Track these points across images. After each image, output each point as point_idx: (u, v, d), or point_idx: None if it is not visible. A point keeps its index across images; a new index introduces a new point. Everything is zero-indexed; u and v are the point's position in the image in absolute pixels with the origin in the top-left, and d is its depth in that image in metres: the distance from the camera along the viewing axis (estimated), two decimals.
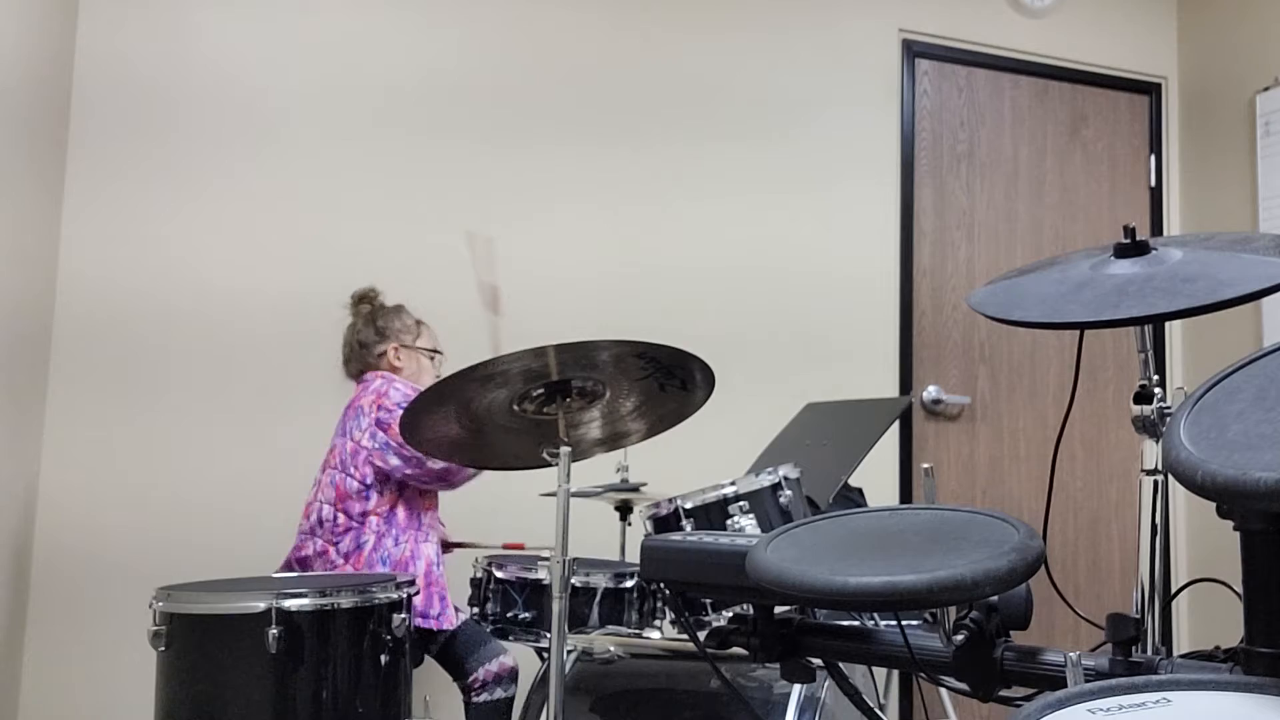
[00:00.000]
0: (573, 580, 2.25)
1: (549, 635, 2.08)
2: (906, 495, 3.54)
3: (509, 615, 2.34)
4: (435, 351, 2.63)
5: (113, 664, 2.73)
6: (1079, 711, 0.76)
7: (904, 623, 1.64)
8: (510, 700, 2.41)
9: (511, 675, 2.41)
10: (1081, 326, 1.13)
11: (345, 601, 1.88)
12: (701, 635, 1.47)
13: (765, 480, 1.92)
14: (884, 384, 3.54)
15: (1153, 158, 3.98)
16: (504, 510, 3.05)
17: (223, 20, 2.94)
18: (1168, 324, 3.97)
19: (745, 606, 1.57)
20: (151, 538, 2.78)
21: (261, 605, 1.81)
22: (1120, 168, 3.96)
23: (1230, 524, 0.96)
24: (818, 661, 1.43)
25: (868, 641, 1.35)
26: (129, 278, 2.82)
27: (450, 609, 2.38)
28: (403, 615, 1.98)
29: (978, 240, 3.74)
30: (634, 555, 2.86)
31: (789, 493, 1.92)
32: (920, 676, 1.34)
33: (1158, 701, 0.77)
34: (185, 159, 2.89)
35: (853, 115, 3.58)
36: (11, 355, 2.45)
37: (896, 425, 3.57)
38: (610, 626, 2.30)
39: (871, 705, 1.55)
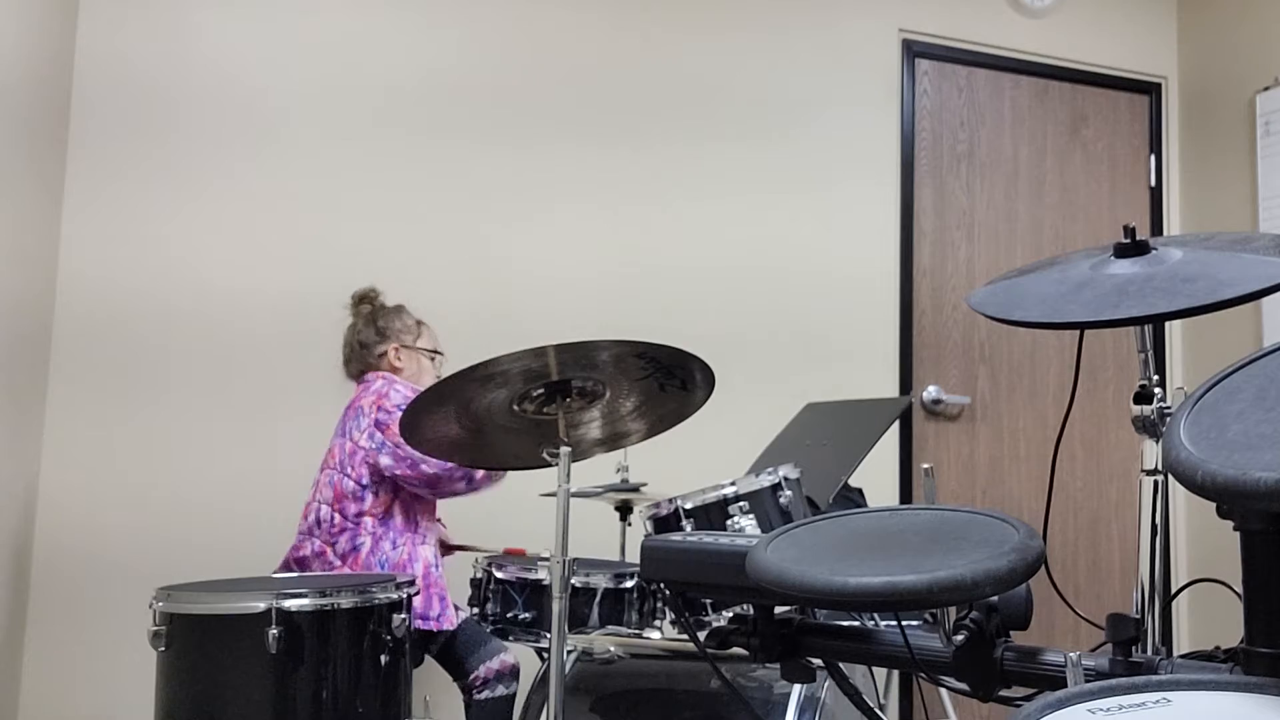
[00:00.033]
0: (573, 580, 2.25)
1: (549, 635, 2.08)
2: (906, 495, 3.54)
3: (509, 615, 2.34)
4: (436, 352, 2.63)
5: (113, 664, 2.73)
6: (1079, 711, 0.76)
7: (904, 623, 1.64)
8: (511, 698, 2.41)
9: (513, 673, 2.41)
10: (1081, 326, 1.13)
11: (345, 602, 1.88)
12: (701, 635, 1.47)
13: (765, 480, 1.92)
14: (884, 384, 3.54)
15: (1153, 158, 3.98)
16: (504, 510, 3.05)
17: (223, 20, 2.94)
18: (1168, 324, 3.97)
19: (745, 606, 1.57)
20: (151, 538, 2.78)
21: (261, 605, 1.81)
22: (1120, 168, 3.96)
23: (1230, 524, 0.96)
24: (818, 661, 1.43)
25: (868, 641, 1.35)
26: (129, 278, 2.82)
27: (450, 609, 2.38)
28: (403, 615, 1.98)
29: (978, 240, 3.74)
30: (634, 555, 2.86)
31: (789, 493, 1.92)
32: (920, 676, 1.35)
33: (1158, 701, 0.77)
34: (185, 159, 2.89)
35: (853, 115, 3.58)
36: (11, 355, 2.45)
37: (896, 425, 3.57)
38: (610, 626, 2.30)
39: (871, 705, 1.55)
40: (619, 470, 2.70)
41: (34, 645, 2.68)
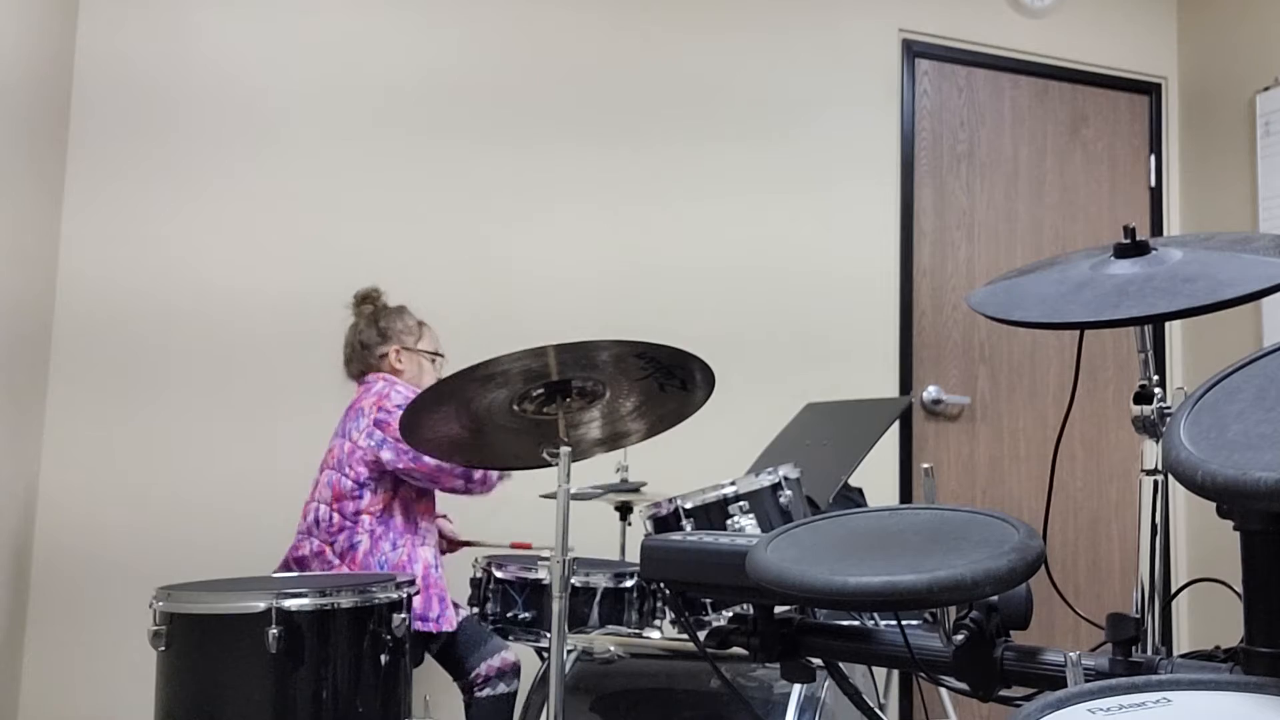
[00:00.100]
0: (573, 580, 2.25)
1: (549, 635, 2.08)
2: (906, 495, 3.54)
3: (509, 615, 2.34)
4: (437, 354, 2.63)
5: (113, 664, 2.73)
6: (1079, 711, 0.76)
7: (904, 623, 1.64)
8: (512, 695, 2.41)
9: (514, 670, 2.41)
10: (1081, 326, 1.13)
11: (345, 601, 1.88)
12: (701, 635, 1.47)
13: (765, 480, 1.92)
14: (884, 384, 3.54)
15: (1153, 158, 3.98)
16: (504, 511, 3.05)
17: (223, 20, 2.94)
18: (1168, 324, 3.97)
19: (745, 606, 1.57)
20: (151, 538, 2.78)
21: (261, 605, 1.81)
22: (1120, 168, 3.96)
23: (1230, 524, 0.96)
24: (818, 661, 1.43)
25: (868, 641, 1.35)
26: (129, 278, 2.82)
27: (450, 610, 2.38)
28: (403, 615, 1.98)
29: (978, 240, 3.74)
30: (634, 555, 2.86)
31: (789, 493, 1.92)
32: (920, 676, 1.35)
33: (1158, 701, 0.77)
34: (185, 159, 2.89)
35: (853, 115, 3.58)
36: (11, 355, 2.45)
37: (896, 425, 3.57)
38: (610, 626, 2.30)
39: (871, 705, 1.55)
40: (619, 470, 2.70)
41: (34, 645, 2.68)
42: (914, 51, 3.68)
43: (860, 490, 2.55)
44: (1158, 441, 1.22)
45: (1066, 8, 3.88)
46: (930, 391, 3.61)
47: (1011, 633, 1.24)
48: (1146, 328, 1.24)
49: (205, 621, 1.82)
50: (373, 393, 2.42)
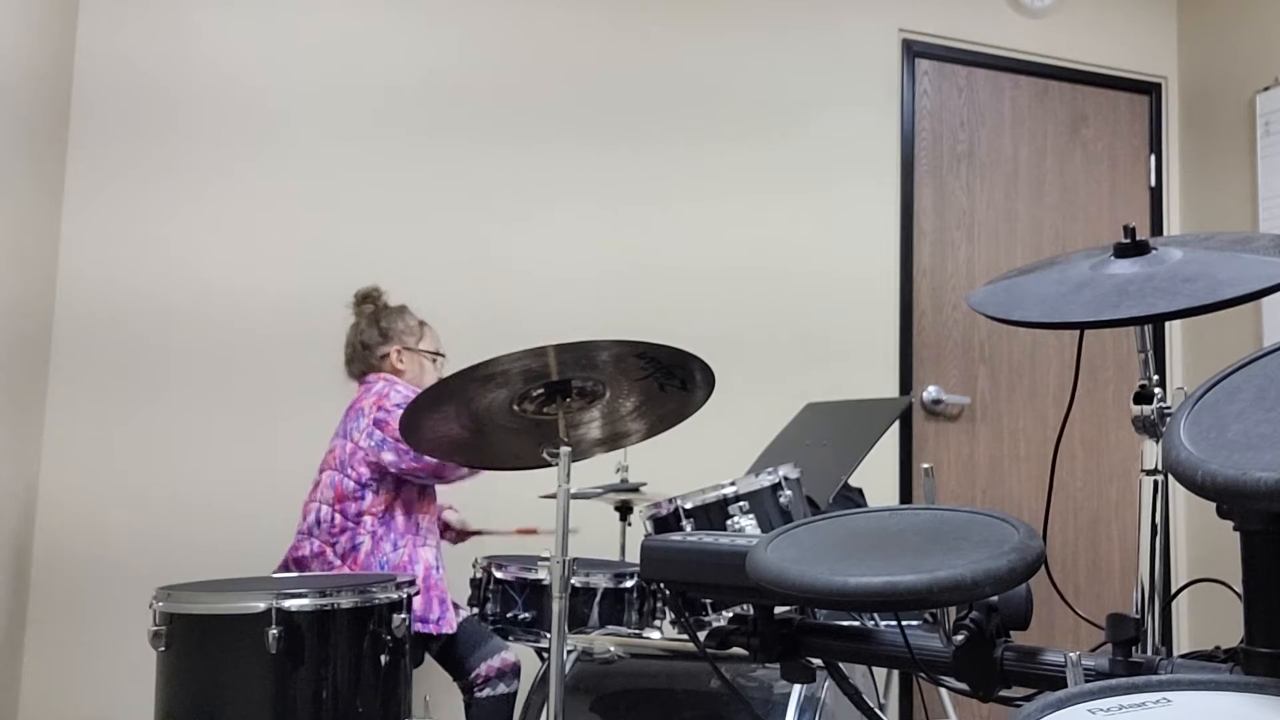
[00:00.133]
0: (573, 580, 2.25)
1: (549, 635, 2.08)
2: (906, 495, 3.54)
3: (509, 615, 2.34)
4: (438, 354, 2.63)
5: (113, 664, 2.73)
6: (1079, 711, 0.76)
7: (904, 623, 1.64)
8: (512, 696, 2.41)
9: (514, 670, 2.41)
10: (1081, 326, 1.13)
11: (345, 602, 1.88)
12: (701, 635, 1.47)
13: (765, 480, 1.92)
14: (884, 384, 3.54)
15: (1153, 158, 3.98)
16: (504, 511, 3.05)
17: (223, 20, 2.94)
18: (1168, 324, 3.97)
19: (745, 606, 1.57)
20: (151, 538, 2.78)
21: (261, 605, 1.81)
22: (1120, 168, 3.96)
23: (1230, 524, 0.96)
24: (818, 661, 1.43)
25: (868, 641, 1.35)
26: (129, 278, 2.82)
27: (450, 612, 2.38)
28: (403, 615, 1.98)
29: (978, 240, 3.74)
30: (634, 555, 2.86)
31: (789, 493, 1.92)
32: (920, 676, 1.35)
33: (1158, 701, 0.77)
34: (185, 159, 2.89)
35: (853, 115, 3.58)
36: (11, 355, 2.45)
37: (896, 425, 3.57)
38: (610, 626, 2.31)
39: (871, 705, 1.55)
40: (619, 470, 2.70)
41: (34, 645, 2.68)
42: (914, 51, 3.68)
43: (860, 490, 2.55)
44: (1158, 441, 1.22)
45: (1066, 8, 3.88)
46: (930, 391, 3.61)
47: (1011, 633, 1.24)
48: (1146, 328, 1.24)
49: (205, 622, 1.82)
50: (373, 393, 2.42)
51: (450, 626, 2.35)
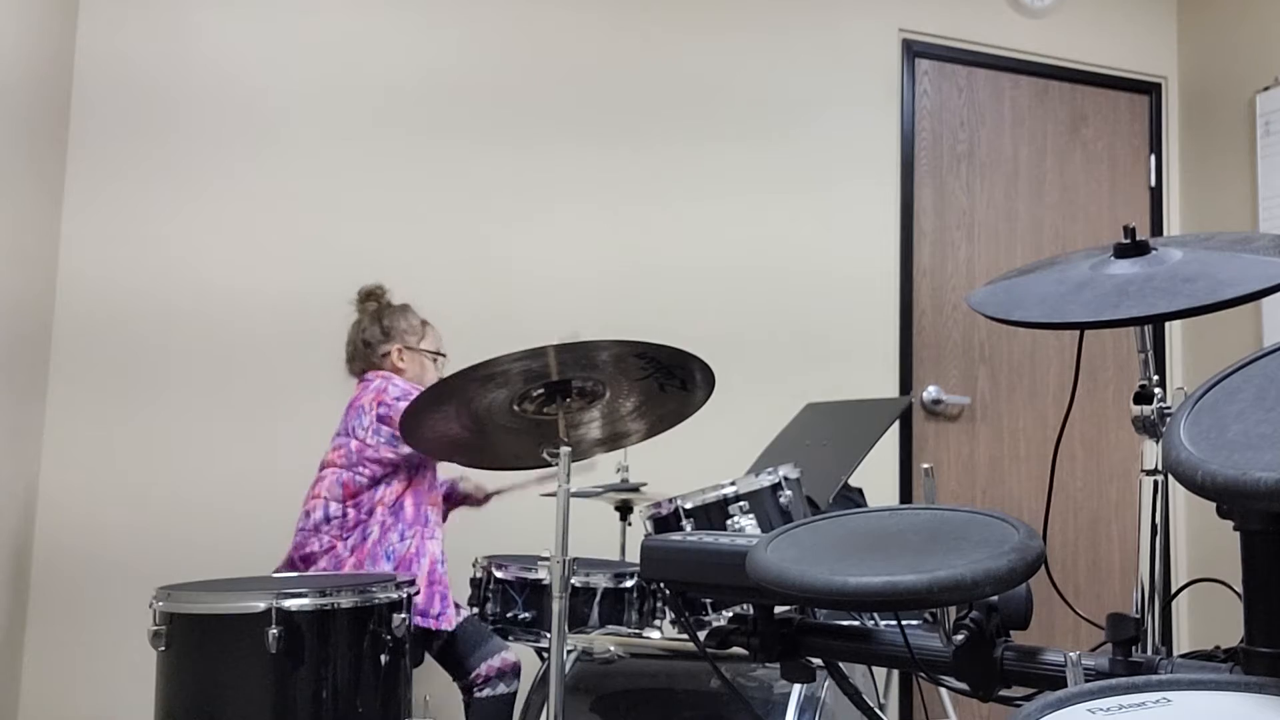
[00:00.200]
0: (573, 580, 2.25)
1: (549, 635, 2.08)
2: (906, 495, 3.54)
3: (509, 615, 2.34)
4: (439, 354, 2.63)
5: (113, 664, 2.73)
6: (1079, 711, 0.76)
7: (904, 623, 1.64)
8: (512, 696, 2.41)
9: (514, 671, 2.41)
10: (1081, 326, 1.13)
11: (345, 601, 1.88)
12: (701, 635, 1.47)
13: (765, 480, 1.92)
14: (884, 384, 3.54)
15: (1153, 158, 3.98)
16: (504, 510, 3.05)
17: (223, 20, 2.94)
18: (1168, 324, 3.97)
19: (745, 606, 1.57)
20: (151, 538, 2.78)
21: (261, 605, 1.81)
22: (1120, 168, 3.96)
23: (1230, 524, 0.96)
24: (818, 661, 1.43)
25: (868, 641, 1.35)
26: (129, 278, 2.82)
27: (451, 609, 2.38)
28: (403, 615, 1.98)
29: (978, 240, 3.74)
30: (634, 555, 2.86)
31: (789, 493, 1.92)
32: (920, 676, 1.35)
33: (1158, 701, 0.77)
34: (185, 159, 2.89)
35: (853, 115, 3.58)
36: (11, 355, 2.45)
37: (896, 425, 3.57)
38: (610, 626, 2.31)
39: (871, 705, 1.55)
40: (619, 470, 2.70)
41: (34, 645, 2.68)
42: (914, 51, 3.68)
43: (860, 490, 2.55)
44: (1158, 441, 1.22)
45: (1066, 8, 3.88)
46: (930, 391, 3.61)
47: (1011, 633, 1.24)
48: (1146, 328, 1.24)
49: (205, 621, 1.82)
50: (371, 389, 2.43)
51: (449, 623, 2.36)
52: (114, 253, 2.81)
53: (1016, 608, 1.23)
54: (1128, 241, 1.25)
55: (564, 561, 1.69)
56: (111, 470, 2.77)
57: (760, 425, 3.34)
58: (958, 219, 3.72)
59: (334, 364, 2.78)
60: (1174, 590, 3.52)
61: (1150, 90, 4.00)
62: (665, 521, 1.92)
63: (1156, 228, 3.97)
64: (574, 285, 3.21)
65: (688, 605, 1.94)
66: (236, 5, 2.96)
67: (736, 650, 1.44)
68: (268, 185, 2.95)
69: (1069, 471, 3.78)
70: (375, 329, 2.55)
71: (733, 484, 1.92)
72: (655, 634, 2.29)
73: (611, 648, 1.97)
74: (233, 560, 2.83)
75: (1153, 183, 3.97)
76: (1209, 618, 3.73)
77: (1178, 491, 3.91)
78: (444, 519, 2.66)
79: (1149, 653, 1.18)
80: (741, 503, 1.90)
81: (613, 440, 2.06)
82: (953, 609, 1.23)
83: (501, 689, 2.39)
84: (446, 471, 2.77)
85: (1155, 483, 1.22)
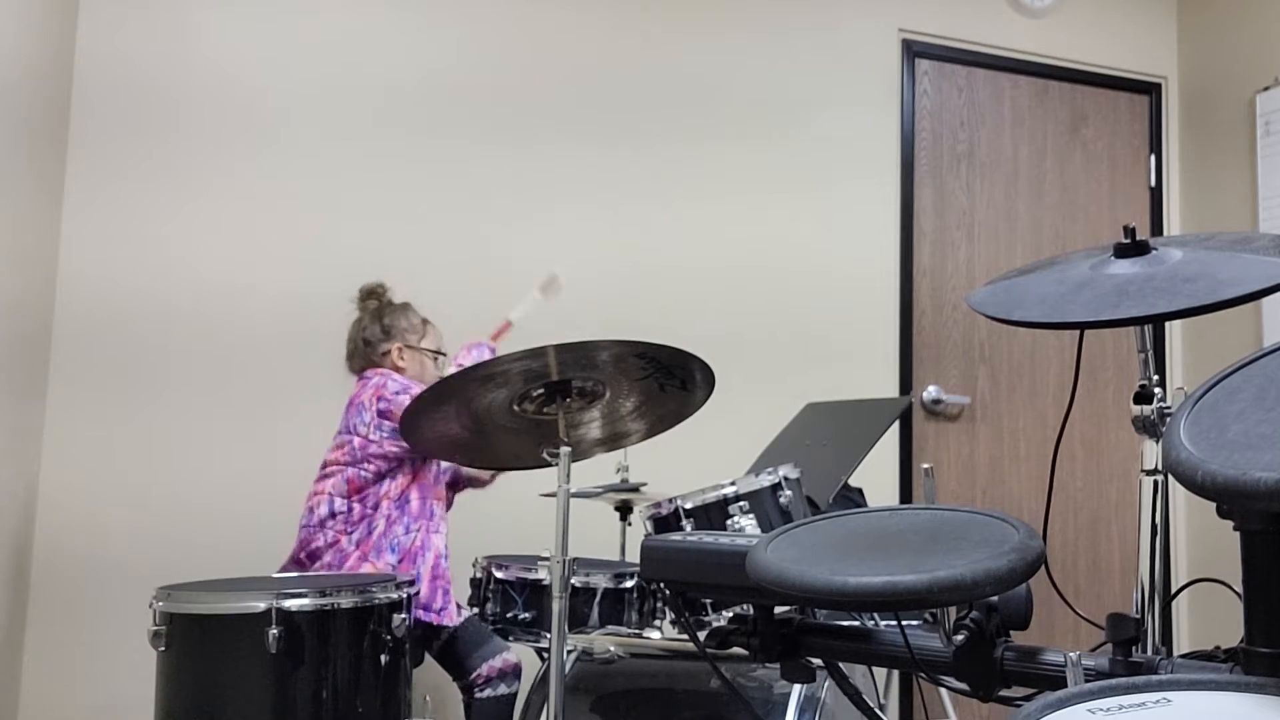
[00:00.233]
0: (573, 580, 2.25)
1: (549, 635, 2.08)
2: (906, 495, 3.54)
3: (509, 615, 2.34)
4: (439, 353, 2.64)
5: (113, 664, 2.73)
6: (1079, 711, 0.76)
7: (904, 623, 1.64)
8: (512, 697, 2.41)
9: (515, 671, 2.42)
10: (1081, 326, 1.13)
11: (345, 601, 1.88)
12: (701, 635, 1.47)
13: (765, 480, 1.92)
14: (884, 384, 3.54)
15: (1153, 158, 3.98)
16: (504, 510, 3.05)
17: (223, 20, 2.94)
18: (1168, 324, 3.97)
19: (745, 606, 1.57)
20: (151, 538, 2.78)
21: (261, 605, 1.81)
22: (1120, 168, 3.96)
23: (1230, 524, 0.96)
24: (818, 661, 1.43)
25: (868, 641, 1.35)
26: (129, 278, 2.82)
27: (452, 605, 2.39)
28: (403, 615, 1.98)
29: (978, 240, 3.74)
30: (634, 555, 2.86)
31: (789, 493, 1.92)
32: (920, 676, 1.35)
33: (1158, 701, 0.77)
34: (185, 159, 2.89)
35: (853, 115, 3.58)
36: (11, 355, 2.45)
37: (896, 425, 3.57)
38: (610, 626, 2.31)
39: (871, 705, 1.55)
40: (619, 470, 2.70)
41: (34, 645, 2.68)
42: (914, 51, 3.68)
43: (860, 490, 2.55)
44: (1158, 441, 1.22)
45: (1066, 8, 3.88)
46: (930, 391, 3.61)
47: (1011, 633, 1.24)
48: (1146, 328, 1.24)
49: (205, 621, 1.82)
50: (370, 385, 2.43)
51: (450, 619, 2.36)
52: (114, 253, 2.81)
53: (1016, 608, 1.23)
54: (1128, 241, 1.25)
55: (564, 561, 1.69)
56: (111, 470, 2.77)
57: (760, 425, 3.34)
58: (958, 219, 3.72)
59: (334, 364, 2.78)
60: (1174, 590, 3.52)
61: (1150, 90, 4.00)
62: (665, 521, 1.92)
63: (1156, 228, 3.97)
64: (574, 285, 3.21)
65: (688, 605, 1.94)
66: (236, 5, 2.96)
67: (736, 650, 1.44)
68: (268, 185, 2.95)
69: (1069, 471, 3.78)
70: (376, 327, 2.55)
71: (733, 484, 1.92)
72: (655, 634, 2.29)
73: (611, 648, 1.97)
74: (233, 560, 2.83)
75: (1153, 183, 3.97)
76: (1209, 618, 3.73)
77: (1178, 491, 3.91)
78: (450, 505, 2.66)
79: (1149, 653, 1.18)
80: (741, 503, 1.90)
81: (613, 440, 2.06)
82: (953, 609, 1.23)
83: (502, 689, 2.39)
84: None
85: (1155, 483, 1.22)
